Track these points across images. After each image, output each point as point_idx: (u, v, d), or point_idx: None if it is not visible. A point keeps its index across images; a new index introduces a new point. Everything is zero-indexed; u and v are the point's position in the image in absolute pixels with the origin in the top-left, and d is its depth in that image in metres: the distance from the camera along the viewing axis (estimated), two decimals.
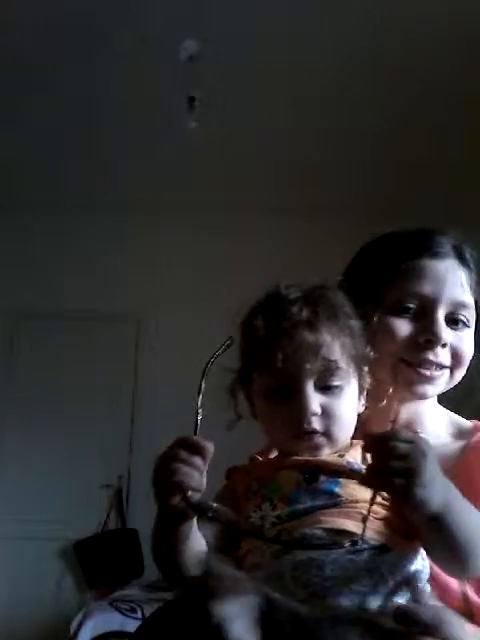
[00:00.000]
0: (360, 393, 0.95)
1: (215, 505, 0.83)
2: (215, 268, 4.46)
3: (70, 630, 3.23)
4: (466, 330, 1.06)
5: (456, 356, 1.04)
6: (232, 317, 0.95)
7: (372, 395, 0.97)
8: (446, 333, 1.03)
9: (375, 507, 0.82)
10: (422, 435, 0.84)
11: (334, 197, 4.26)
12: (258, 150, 3.96)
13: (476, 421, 1.12)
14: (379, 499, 0.84)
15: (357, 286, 1.07)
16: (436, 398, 1.11)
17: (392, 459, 0.74)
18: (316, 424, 0.88)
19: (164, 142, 3.79)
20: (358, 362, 0.93)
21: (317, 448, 0.89)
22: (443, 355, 1.03)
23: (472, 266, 1.08)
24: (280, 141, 3.86)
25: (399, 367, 1.03)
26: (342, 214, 4.20)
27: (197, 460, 0.81)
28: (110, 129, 3.83)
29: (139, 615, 3.10)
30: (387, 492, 0.80)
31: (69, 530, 4.24)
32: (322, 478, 0.86)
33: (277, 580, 0.77)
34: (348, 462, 0.88)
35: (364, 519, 0.79)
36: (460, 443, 1.08)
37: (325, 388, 0.89)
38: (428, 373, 1.02)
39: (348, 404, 0.91)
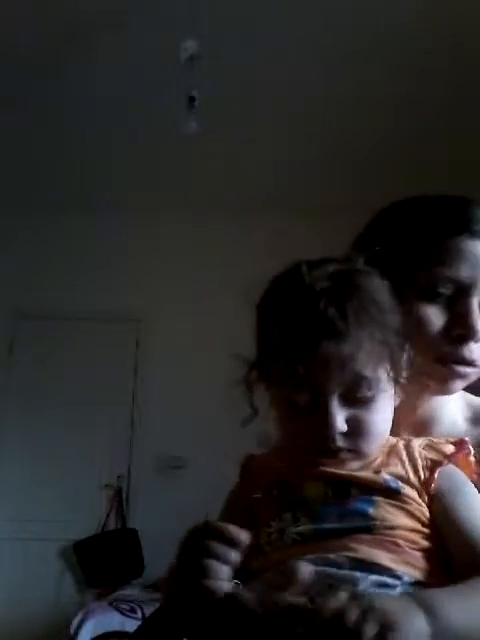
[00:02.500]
0: (396, 388, 0.83)
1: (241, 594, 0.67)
2: (215, 268, 4.46)
3: (70, 630, 3.23)
4: None
5: None
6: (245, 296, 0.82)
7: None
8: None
9: (415, 536, 0.74)
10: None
11: (334, 197, 4.26)
12: (258, 150, 3.96)
13: None
14: (419, 526, 0.75)
15: (386, 262, 0.91)
16: None
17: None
18: (341, 442, 0.77)
19: (164, 142, 3.79)
20: (394, 365, 0.80)
21: (342, 463, 0.79)
22: (477, 350, 0.90)
23: None
24: (280, 141, 3.86)
25: (431, 363, 0.91)
26: (342, 214, 4.19)
27: (232, 555, 0.69)
28: (110, 129, 3.83)
29: (139, 615, 3.10)
30: None
31: (69, 530, 4.24)
32: (354, 494, 0.76)
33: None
34: (385, 479, 0.77)
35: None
36: (477, 431, 0.99)
37: (353, 400, 0.77)
38: (461, 370, 0.91)
39: (380, 415, 0.80)
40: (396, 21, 2.96)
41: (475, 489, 0.81)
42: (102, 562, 4.17)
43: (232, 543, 0.69)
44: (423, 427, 0.99)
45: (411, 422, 0.98)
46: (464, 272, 0.90)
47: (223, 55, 3.14)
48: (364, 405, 0.78)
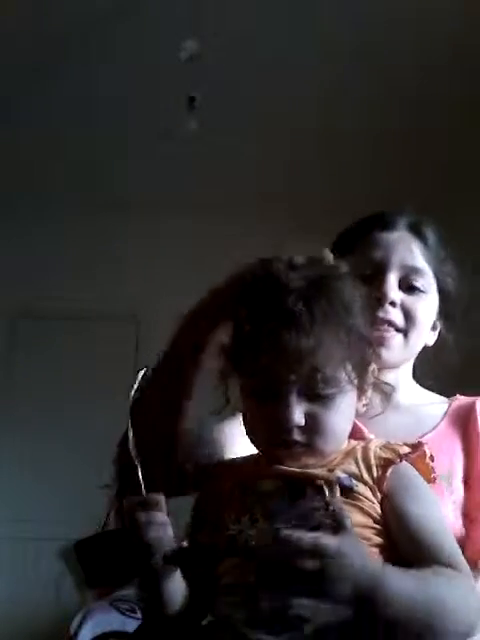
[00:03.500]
0: (362, 395, 0.87)
1: (186, 546, 0.80)
2: (215, 268, 4.45)
3: (70, 630, 3.23)
4: (422, 295, 1.12)
5: (409, 318, 1.10)
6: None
7: None
8: (396, 294, 1.09)
9: (368, 532, 0.76)
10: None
11: (334, 197, 4.26)
12: (258, 150, 3.96)
13: (457, 395, 1.16)
14: (371, 522, 0.78)
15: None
16: (410, 372, 1.16)
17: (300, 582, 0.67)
18: (297, 436, 0.80)
19: (164, 142, 3.79)
20: (358, 365, 0.83)
21: (298, 459, 0.81)
22: (393, 314, 1.09)
23: (429, 242, 1.16)
24: (281, 141, 3.86)
25: None
26: (342, 214, 4.19)
27: (158, 516, 0.80)
28: (110, 129, 3.83)
29: (139, 615, 3.10)
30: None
31: (69, 530, 4.24)
32: (309, 494, 0.77)
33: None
34: (338, 477, 0.79)
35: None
36: (440, 408, 1.13)
37: (313, 396, 0.80)
38: (379, 332, 1.05)
39: (340, 414, 0.82)
40: (396, 21, 2.96)
41: (427, 487, 0.85)
42: (102, 562, 4.17)
43: (151, 506, 0.80)
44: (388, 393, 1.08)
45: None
46: (377, 254, 1.12)
47: (223, 55, 3.14)
48: (323, 402, 0.80)
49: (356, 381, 0.84)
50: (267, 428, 0.81)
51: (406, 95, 3.41)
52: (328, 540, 0.68)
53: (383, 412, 1.05)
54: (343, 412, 0.83)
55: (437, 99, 3.42)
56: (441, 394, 1.18)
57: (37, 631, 4.06)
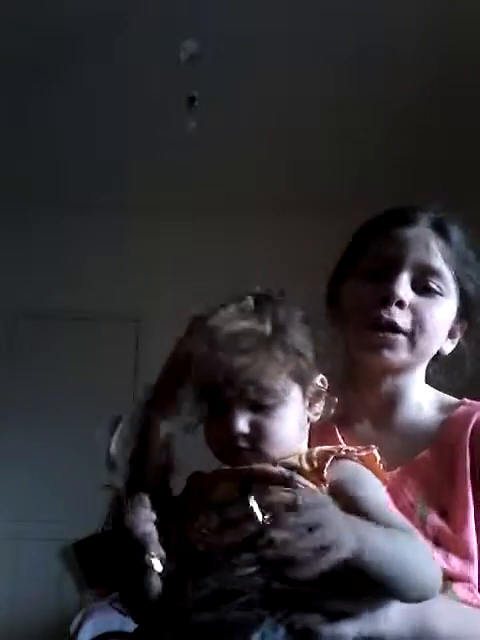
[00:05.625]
0: (310, 403, 0.94)
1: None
2: (215, 268, 4.45)
3: (70, 630, 3.23)
4: (438, 298, 1.03)
5: (418, 321, 1.01)
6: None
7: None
8: (406, 294, 1.01)
9: None
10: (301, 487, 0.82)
11: (334, 197, 4.26)
12: (258, 150, 3.96)
13: (465, 399, 1.10)
14: None
15: (338, 264, 1.14)
16: (423, 375, 1.10)
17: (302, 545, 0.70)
18: (243, 442, 0.89)
19: (164, 142, 3.79)
20: (298, 377, 0.91)
21: (247, 462, 0.89)
22: (400, 316, 1.00)
23: (452, 239, 1.05)
24: (280, 141, 3.86)
25: (362, 331, 1.02)
26: (342, 214, 4.18)
27: (145, 513, 0.88)
28: (110, 129, 3.83)
29: None
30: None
31: (69, 530, 4.24)
32: (255, 488, 0.83)
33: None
34: (279, 470, 0.86)
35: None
36: (442, 417, 1.06)
37: (256, 408, 0.89)
38: (382, 334, 1.00)
39: (281, 421, 0.90)
40: (396, 22, 2.96)
41: (372, 476, 0.89)
42: (102, 562, 4.16)
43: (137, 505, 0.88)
44: (386, 408, 1.07)
45: (373, 405, 1.07)
46: (391, 250, 1.04)
47: (223, 55, 3.14)
48: (264, 412, 0.89)
49: (298, 392, 0.92)
50: (219, 438, 0.91)
51: (406, 95, 3.41)
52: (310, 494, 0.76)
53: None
54: (285, 419, 0.90)
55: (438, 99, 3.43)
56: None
57: (37, 631, 4.06)
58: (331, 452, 0.88)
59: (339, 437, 1.03)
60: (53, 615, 4.07)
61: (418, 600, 0.80)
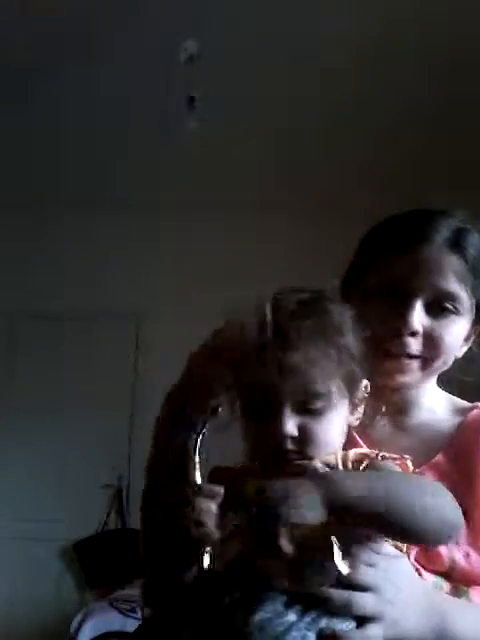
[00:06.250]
0: (353, 408, 0.91)
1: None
2: (215, 268, 4.46)
3: (70, 630, 3.23)
4: (453, 317, 0.99)
5: (431, 344, 0.98)
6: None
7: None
8: (419, 322, 0.97)
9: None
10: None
11: (334, 197, 4.26)
12: (258, 150, 3.96)
13: (477, 403, 1.08)
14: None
15: (347, 273, 1.08)
16: (435, 380, 1.08)
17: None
18: (291, 445, 0.85)
19: (164, 142, 3.79)
20: (349, 381, 0.88)
21: (294, 469, 0.85)
22: (413, 344, 0.98)
23: (469, 255, 0.99)
24: (280, 141, 3.86)
25: (373, 354, 0.96)
26: (341, 214, 4.20)
27: (213, 507, 0.82)
28: (110, 129, 3.83)
29: (139, 615, 3.10)
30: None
31: (69, 530, 4.24)
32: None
33: None
34: (314, 466, 0.84)
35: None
36: (456, 420, 1.05)
37: (304, 411, 0.85)
38: (396, 363, 0.98)
39: (330, 426, 0.87)
40: (396, 21, 2.96)
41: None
42: (102, 562, 4.17)
43: (211, 496, 0.82)
44: (400, 412, 1.06)
45: (389, 410, 1.04)
46: (405, 272, 0.98)
47: (223, 55, 3.14)
48: (314, 415, 0.85)
49: (346, 396, 0.89)
50: (262, 441, 0.87)
51: (407, 95, 3.41)
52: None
53: (391, 429, 1.05)
54: (333, 424, 0.88)
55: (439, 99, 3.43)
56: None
57: (37, 631, 4.06)
58: (367, 456, 0.86)
59: (357, 438, 1.01)
60: (53, 615, 4.07)
61: (437, 541, 0.83)
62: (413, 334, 0.97)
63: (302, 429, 0.85)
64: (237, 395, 0.91)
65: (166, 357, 4.41)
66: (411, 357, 0.98)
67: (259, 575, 0.80)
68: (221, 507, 0.84)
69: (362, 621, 0.79)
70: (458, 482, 0.96)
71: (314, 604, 0.77)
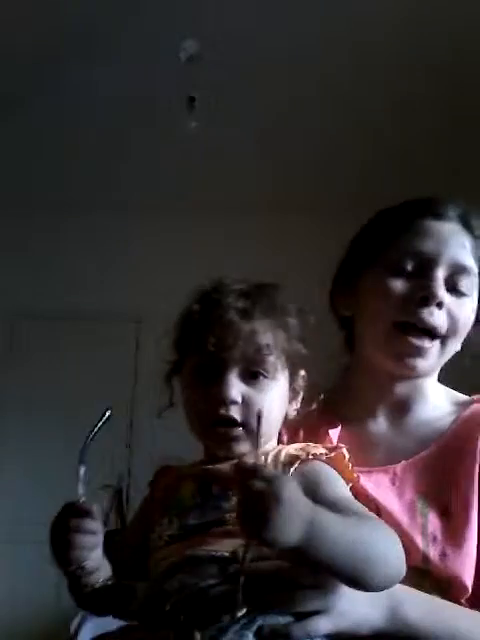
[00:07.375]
0: (292, 396, 0.93)
1: (104, 582, 0.86)
2: (215, 268, 4.44)
3: (70, 630, 3.23)
4: (465, 299, 1.00)
5: (452, 322, 0.98)
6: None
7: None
8: (444, 294, 0.97)
9: None
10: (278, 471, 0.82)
11: (334, 197, 4.26)
12: (258, 150, 3.96)
13: (475, 396, 1.07)
14: None
15: (356, 251, 1.08)
16: (436, 376, 1.07)
17: (246, 502, 0.70)
18: (234, 412, 0.86)
19: (164, 142, 3.79)
20: (291, 360, 0.91)
21: (233, 441, 0.86)
22: (439, 317, 0.97)
23: (477, 234, 1.02)
24: (280, 141, 3.86)
25: (392, 333, 0.97)
26: (341, 214, 4.18)
27: (89, 524, 0.85)
28: (110, 129, 3.82)
29: None
30: (243, 534, 0.73)
31: None
32: (214, 490, 0.82)
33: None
34: (246, 467, 0.82)
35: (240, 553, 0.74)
36: (454, 413, 1.05)
37: (250, 377, 0.87)
38: (419, 342, 0.96)
39: (272, 400, 0.89)
40: (395, 21, 2.96)
41: (339, 478, 0.87)
42: None
43: (85, 514, 0.86)
44: (402, 408, 1.05)
45: (389, 403, 1.04)
46: (428, 245, 0.99)
47: (223, 55, 3.14)
48: (258, 384, 0.88)
49: (288, 377, 0.91)
50: (206, 406, 0.88)
51: (408, 95, 3.41)
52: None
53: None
54: (276, 399, 0.89)
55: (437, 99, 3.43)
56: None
57: (37, 631, 4.06)
58: (297, 457, 0.86)
59: (331, 438, 1.00)
60: (53, 615, 4.06)
61: (382, 588, 0.76)
62: (439, 305, 0.96)
63: (245, 398, 0.87)
64: (186, 363, 0.94)
65: (166, 357, 4.45)
66: (435, 336, 0.97)
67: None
68: (157, 512, 0.85)
69: (303, 615, 0.76)
70: (444, 477, 0.95)
71: (252, 603, 0.74)
